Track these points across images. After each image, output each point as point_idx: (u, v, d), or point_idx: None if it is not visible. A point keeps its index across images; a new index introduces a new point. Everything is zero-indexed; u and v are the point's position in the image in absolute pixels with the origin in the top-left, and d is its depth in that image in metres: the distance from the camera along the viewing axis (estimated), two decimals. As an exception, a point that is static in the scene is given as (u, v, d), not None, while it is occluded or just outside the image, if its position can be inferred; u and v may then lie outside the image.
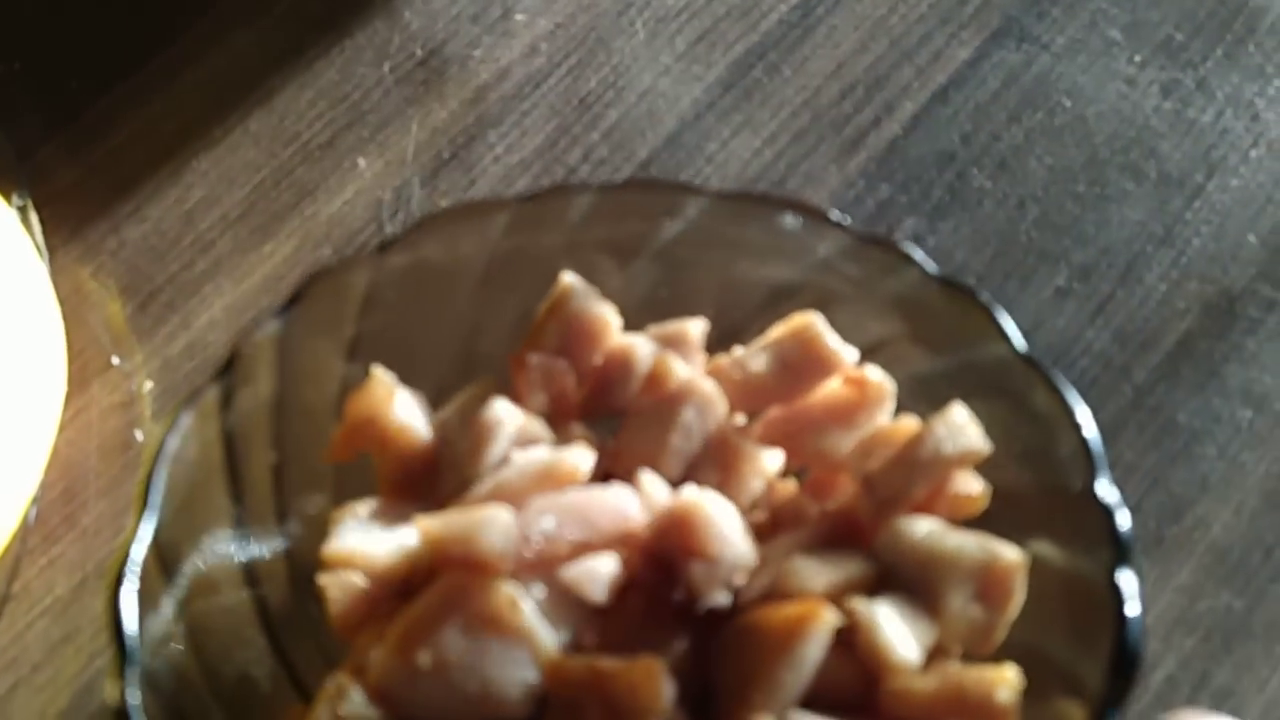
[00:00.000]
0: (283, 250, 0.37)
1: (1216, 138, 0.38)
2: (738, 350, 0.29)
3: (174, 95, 0.39)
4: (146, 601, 0.24)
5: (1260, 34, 0.39)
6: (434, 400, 0.28)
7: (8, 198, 0.35)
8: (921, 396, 0.28)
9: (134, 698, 0.23)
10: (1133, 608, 0.23)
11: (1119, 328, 0.35)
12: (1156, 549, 0.32)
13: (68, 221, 0.37)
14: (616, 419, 0.28)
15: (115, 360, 0.36)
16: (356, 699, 0.24)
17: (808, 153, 0.38)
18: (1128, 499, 0.33)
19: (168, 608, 0.25)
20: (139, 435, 0.34)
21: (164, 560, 0.24)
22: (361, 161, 0.38)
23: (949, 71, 0.39)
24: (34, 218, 0.36)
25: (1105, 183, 0.37)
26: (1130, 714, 0.31)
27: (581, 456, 0.25)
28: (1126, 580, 0.23)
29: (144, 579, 0.24)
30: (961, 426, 0.25)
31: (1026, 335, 0.35)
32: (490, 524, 0.24)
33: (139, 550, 0.24)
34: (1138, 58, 0.39)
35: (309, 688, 0.26)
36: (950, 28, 0.39)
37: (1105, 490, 0.24)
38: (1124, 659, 0.22)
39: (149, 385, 0.35)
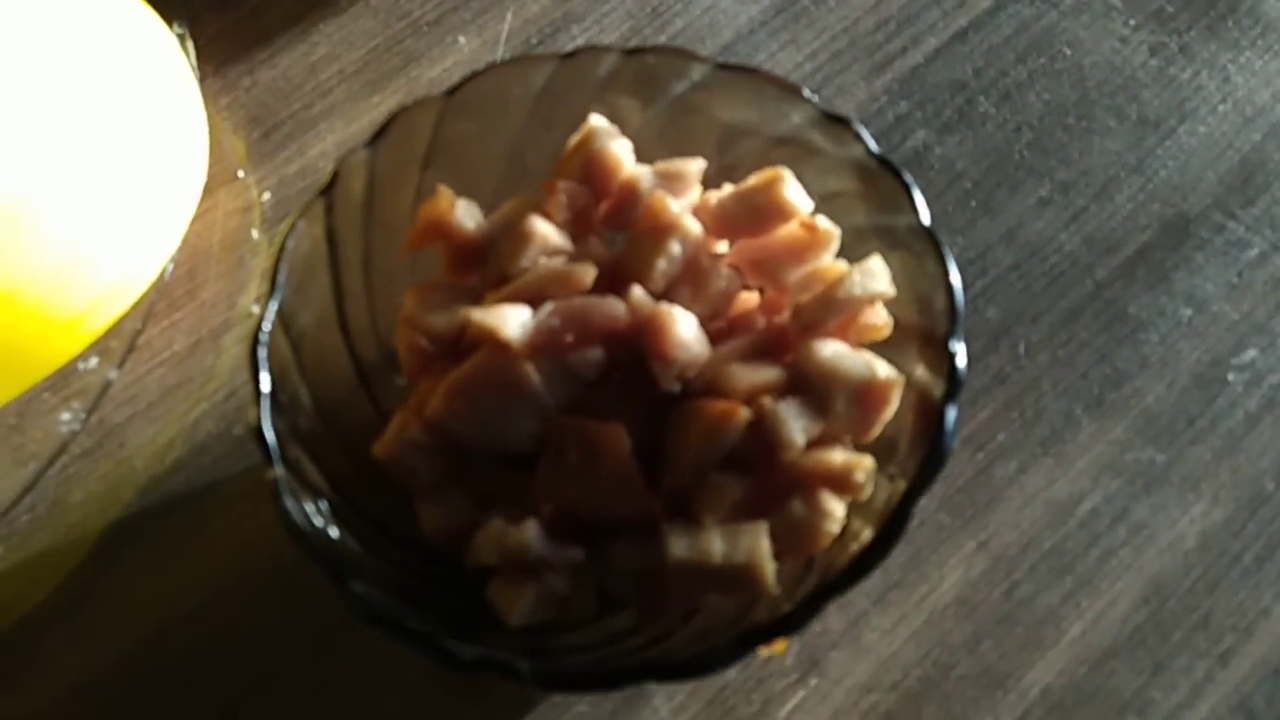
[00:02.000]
0: (387, 103, 0.43)
1: (1191, 92, 0.43)
2: (728, 187, 0.34)
3: (310, -32, 0.45)
4: (274, 351, 0.30)
5: (1240, 14, 0.45)
6: (486, 208, 0.34)
7: (169, 24, 0.41)
8: (860, 243, 0.33)
9: (266, 418, 0.28)
10: (948, 428, 0.28)
11: (1088, 235, 0.41)
12: (1097, 408, 0.38)
13: (212, 60, 0.44)
14: (624, 233, 0.34)
15: (240, 174, 0.41)
16: (416, 427, 0.30)
17: (841, 70, 0.44)
18: (1078, 368, 0.38)
19: (287, 354, 0.31)
20: (255, 234, 0.40)
21: (285, 322, 0.30)
22: (461, 39, 0.44)
23: (970, 16, 0.44)
24: (190, 45, 0.42)
25: (1092, 119, 0.43)
26: (1060, 538, 0.36)
27: (586, 271, 0.31)
28: (950, 410, 0.29)
29: (272, 335, 0.30)
30: (875, 273, 0.31)
31: (1009, 233, 0.41)
32: (514, 317, 0.30)
33: (269, 316, 0.30)
34: (1132, 22, 0.44)
35: (388, 415, 0.32)
36: (975, -19, 0.45)
37: (955, 344, 0.30)
38: (934, 459, 0.28)
39: (266, 196, 0.41)
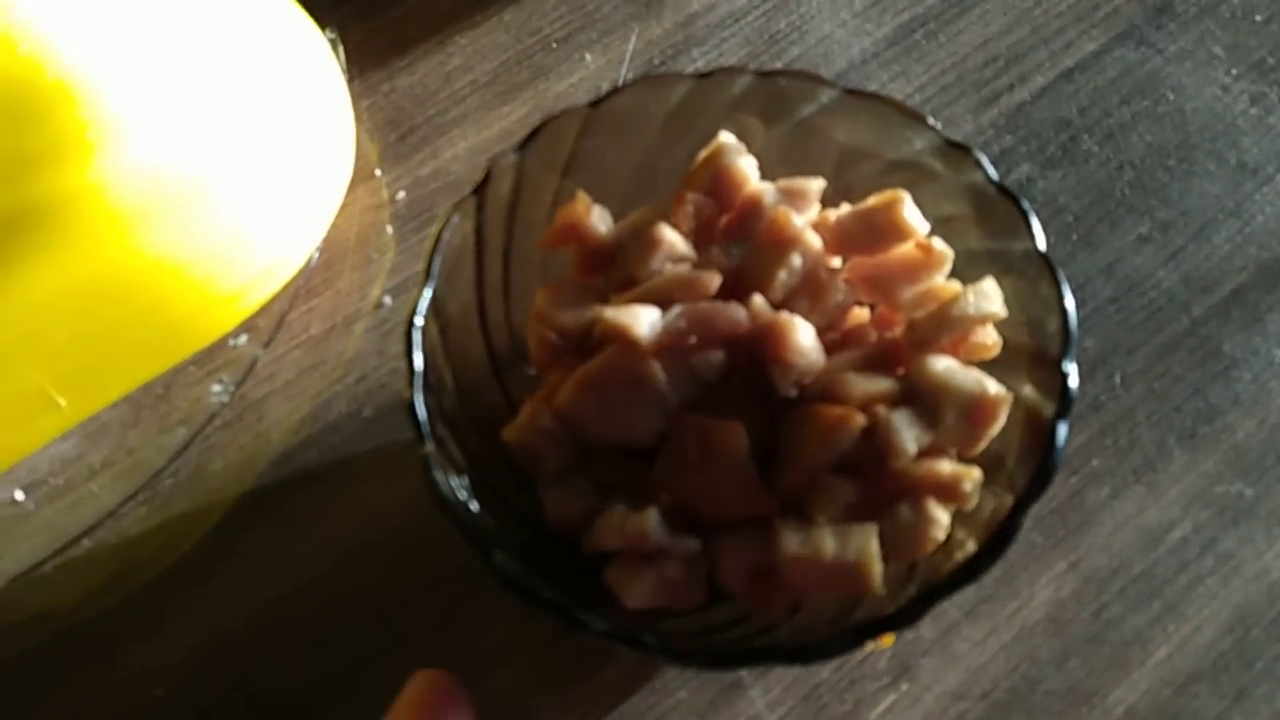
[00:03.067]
0: (517, 113, 0.45)
1: None
2: (845, 207, 0.35)
3: (449, -16, 0.47)
4: (426, 335, 0.31)
5: (1343, 67, 0.45)
6: (615, 214, 0.35)
7: (322, 29, 0.43)
8: (972, 266, 0.34)
9: (419, 397, 0.30)
10: (1059, 444, 0.29)
11: (1186, 273, 0.41)
12: (1189, 440, 0.38)
13: (355, 64, 0.45)
14: (746, 244, 0.35)
15: (378, 173, 0.43)
16: (546, 416, 0.32)
17: (950, 103, 0.45)
18: (1173, 401, 0.39)
19: (436, 338, 0.32)
20: (388, 230, 0.42)
21: (436, 309, 0.32)
22: (588, 57, 0.46)
23: (1076, 58, 0.45)
24: (340, 50, 0.44)
25: (1192, 161, 0.44)
26: (1149, 564, 0.37)
27: (712, 278, 0.33)
28: (1061, 427, 0.30)
29: (425, 322, 0.31)
30: (988, 295, 0.32)
31: (1109, 267, 0.41)
32: (643, 317, 0.32)
33: (424, 301, 0.31)
34: (1234, 71, 0.45)
35: (516, 403, 0.34)
36: (1084, 25, 0.46)
37: (1068, 365, 0.31)
38: (1043, 474, 0.29)
39: (401, 194, 0.43)
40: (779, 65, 0.45)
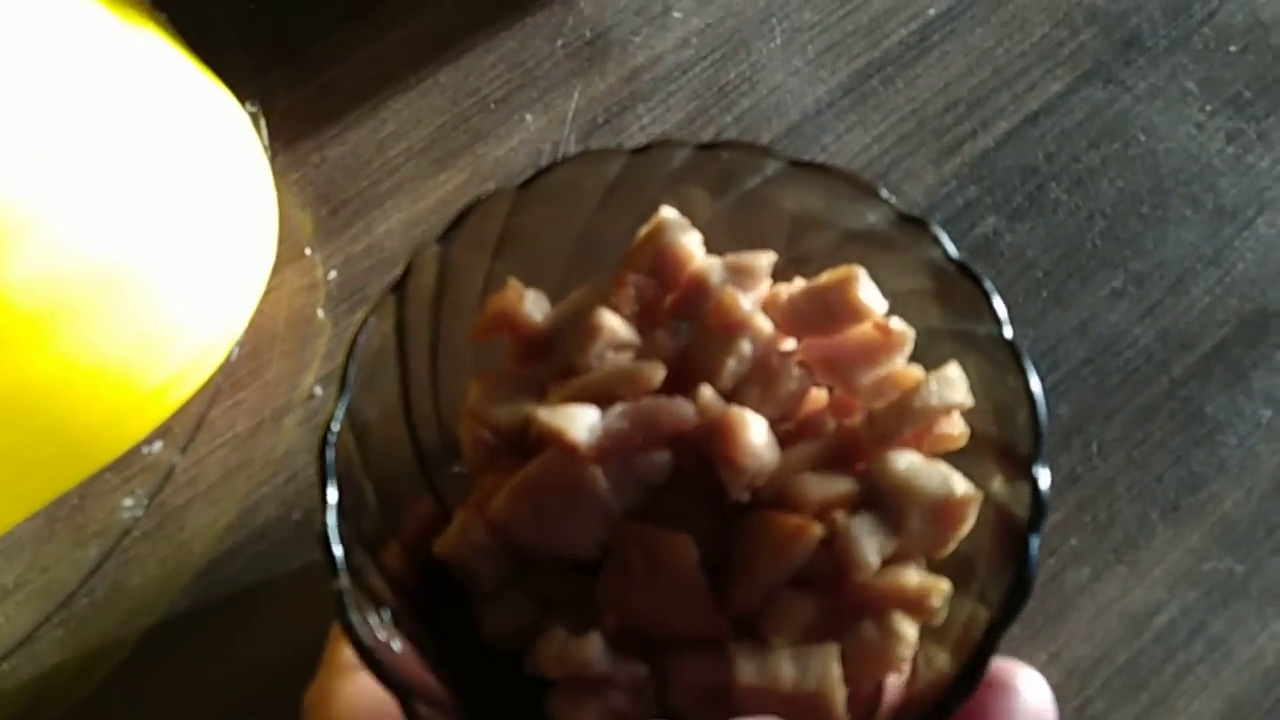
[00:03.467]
0: (454, 180, 0.43)
1: (1270, 181, 0.42)
2: (798, 281, 0.33)
3: (381, 46, 0.44)
4: (341, 452, 0.28)
5: (1321, 100, 0.43)
6: (553, 293, 0.33)
7: (243, 103, 0.41)
8: (934, 345, 0.32)
9: (333, 531, 0.27)
10: (1033, 558, 0.27)
11: (1164, 329, 0.39)
12: (1173, 514, 0.36)
13: (282, 136, 0.43)
14: (691, 323, 0.32)
15: (307, 251, 0.41)
16: (479, 528, 0.29)
17: (910, 153, 0.43)
18: (1154, 470, 0.37)
19: (353, 452, 0.29)
20: (320, 314, 0.40)
21: (352, 420, 0.29)
22: (529, 117, 0.44)
23: (1041, 100, 0.43)
24: (263, 124, 0.42)
25: (1167, 207, 0.41)
26: (1134, 652, 0.35)
27: (655, 371, 0.30)
28: (1034, 540, 0.27)
29: (341, 437, 0.28)
30: (952, 382, 0.30)
31: (1082, 326, 0.39)
32: (582, 419, 0.29)
33: (338, 417, 0.28)
34: (1209, 107, 0.43)
35: (448, 505, 0.31)
36: (1048, 64, 0.44)
37: (1039, 469, 0.28)
38: (1018, 592, 0.26)
39: (333, 275, 0.41)
40: (729, 119, 0.43)
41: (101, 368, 0.32)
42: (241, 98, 0.41)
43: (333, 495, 0.27)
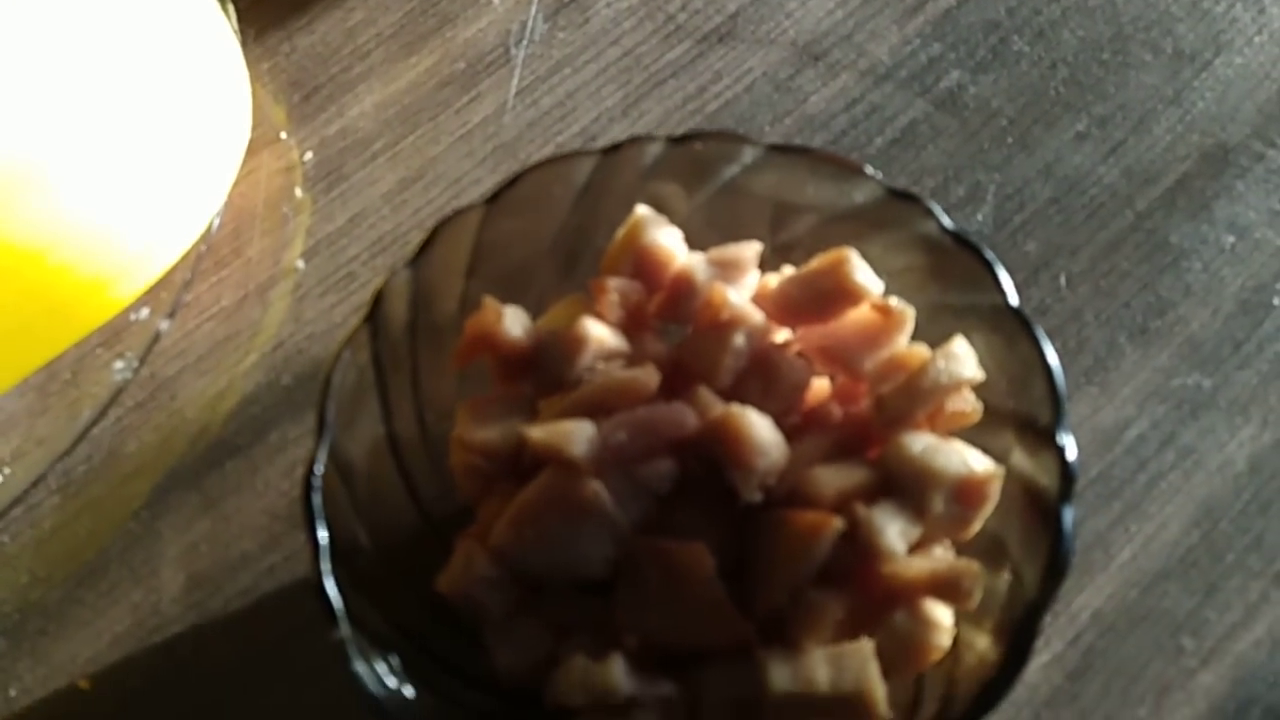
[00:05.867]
0: (425, 63, 0.36)
1: (1226, 24, 0.35)
2: (787, 269, 0.27)
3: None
4: (328, 494, 0.25)
5: (1274, -63, 0.40)
6: (533, 306, 0.28)
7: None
8: (935, 321, 0.27)
9: (328, 575, 0.24)
10: (1067, 532, 0.24)
11: (1127, 167, 0.34)
12: (1140, 336, 0.32)
13: (252, 28, 0.36)
14: (681, 325, 0.28)
15: (283, 135, 0.40)
16: (482, 558, 0.25)
17: (874, 14, 0.37)
18: (1121, 298, 0.37)
19: (340, 492, 0.26)
20: (298, 193, 0.38)
21: (336, 460, 0.25)
22: (495, -2, 0.42)
23: (1002, -49, 0.39)
24: (231, 9, 0.42)
25: (1127, 53, 0.36)
26: (1106, 465, 0.35)
27: (649, 377, 0.26)
28: (1067, 513, 0.23)
29: (325, 478, 0.24)
30: (960, 358, 0.26)
31: (1047, 168, 0.37)
32: (578, 434, 0.25)
33: (320, 459, 0.25)
34: (1166, -51, 0.38)
35: (446, 538, 0.27)
36: (1008, -86, 0.36)
37: (1063, 437, 0.24)
38: (1055, 570, 0.23)
39: (309, 156, 0.37)
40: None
41: (82, 231, 0.29)
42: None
43: (324, 539, 0.23)
